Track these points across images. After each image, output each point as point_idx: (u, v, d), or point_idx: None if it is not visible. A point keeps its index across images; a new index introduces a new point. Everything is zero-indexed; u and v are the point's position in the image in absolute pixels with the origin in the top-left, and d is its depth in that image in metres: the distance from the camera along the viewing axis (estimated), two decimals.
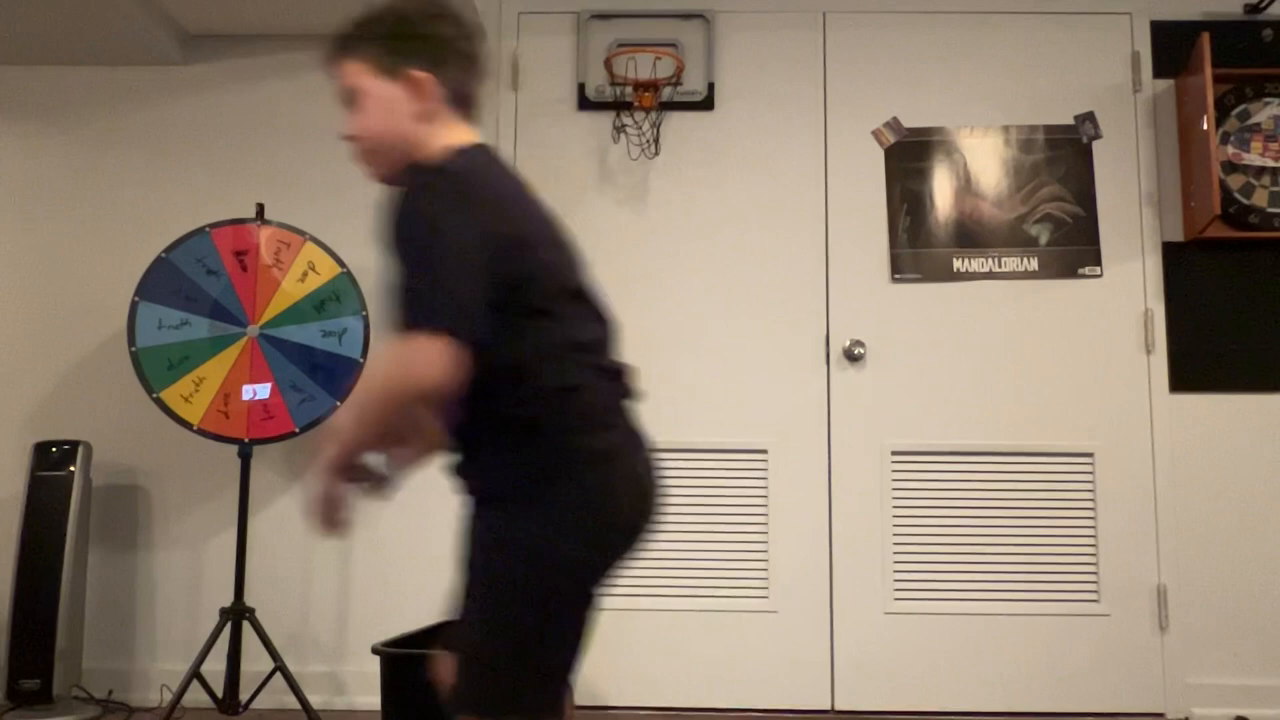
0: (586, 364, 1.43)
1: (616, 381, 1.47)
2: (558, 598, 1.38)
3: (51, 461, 3.21)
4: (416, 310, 1.29)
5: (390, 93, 1.46)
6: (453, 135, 1.47)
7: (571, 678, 1.44)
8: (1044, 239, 3.48)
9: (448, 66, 1.48)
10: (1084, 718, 3.28)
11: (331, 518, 1.38)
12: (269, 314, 3.17)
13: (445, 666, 1.43)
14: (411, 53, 1.46)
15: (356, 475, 1.39)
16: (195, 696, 3.17)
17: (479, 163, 1.43)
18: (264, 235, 3.22)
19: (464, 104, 1.51)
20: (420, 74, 1.45)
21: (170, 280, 3.15)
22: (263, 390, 3.12)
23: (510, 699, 1.35)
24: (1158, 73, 3.55)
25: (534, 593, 1.36)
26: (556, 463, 1.37)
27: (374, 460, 1.42)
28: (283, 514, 3.43)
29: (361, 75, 1.47)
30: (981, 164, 3.53)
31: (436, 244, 1.30)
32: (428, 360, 1.27)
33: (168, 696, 3.30)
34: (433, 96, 1.46)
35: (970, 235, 3.49)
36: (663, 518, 1.46)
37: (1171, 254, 3.47)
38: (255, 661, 3.20)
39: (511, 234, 1.38)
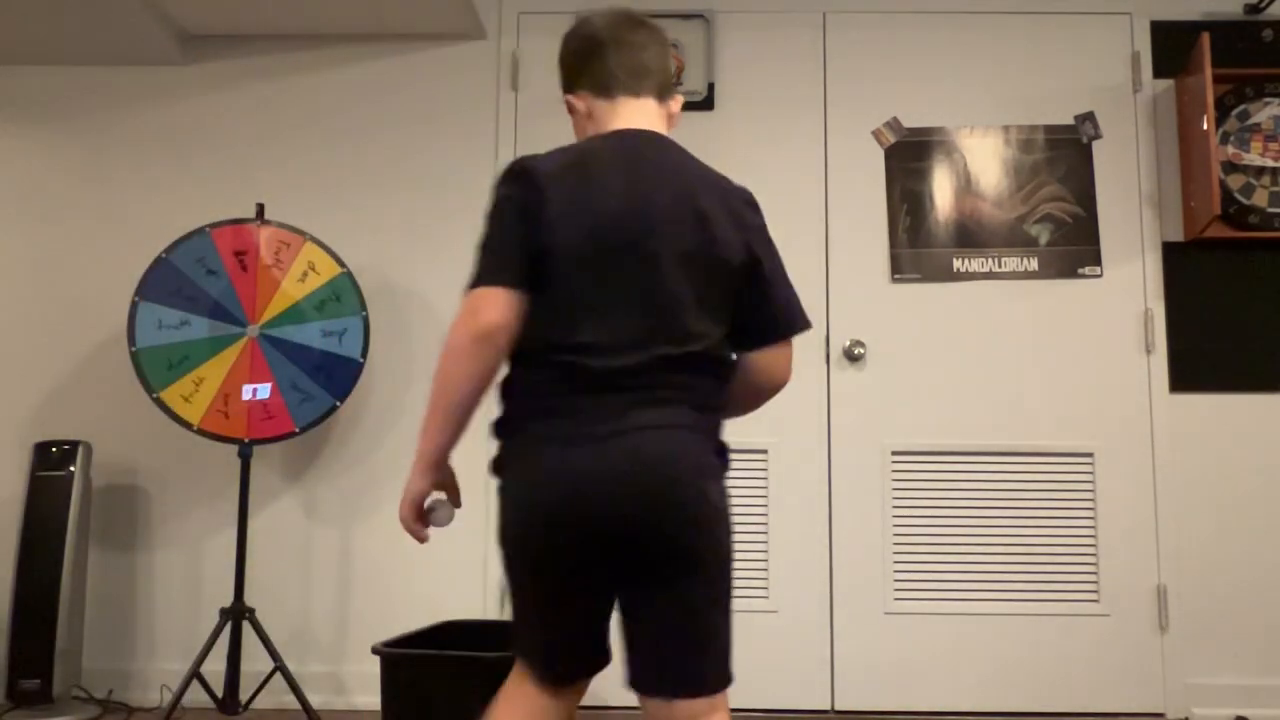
0: (552, 360, 1.43)
1: (572, 383, 1.42)
2: (508, 574, 1.50)
3: (51, 461, 3.21)
4: None
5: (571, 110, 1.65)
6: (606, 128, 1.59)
7: (551, 649, 1.51)
8: (1044, 239, 3.48)
9: (579, 80, 1.62)
10: (1084, 718, 3.28)
11: (418, 536, 1.51)
12: (269, 314, 3.17)
13: None
14: (564, 81, 1.65)
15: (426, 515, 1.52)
16: (195, 696, 3.17)
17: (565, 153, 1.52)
18: (264, 235, 3.22)
19: (607, 91, 1.59)
20: (569, 97, 1.64)
21: (170, 280, 3.15)
22: (263, 390, 3.12)
23: (514, 636, 1.54)
24: (1158, 73, 3.55)
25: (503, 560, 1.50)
26: (501, 451, 1.48)
27: (435, 506, 1.52)
28: (283, 514, 3.44)
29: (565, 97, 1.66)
30: (981, 164, 3.53)
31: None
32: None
33: (168, 696, 3.31)
34: (579, 111, 1.62)
35: (970, 235, 3.49)
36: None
37: (1171, 254, 3.47)
38: (255, 661, 3.21)
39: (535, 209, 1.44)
